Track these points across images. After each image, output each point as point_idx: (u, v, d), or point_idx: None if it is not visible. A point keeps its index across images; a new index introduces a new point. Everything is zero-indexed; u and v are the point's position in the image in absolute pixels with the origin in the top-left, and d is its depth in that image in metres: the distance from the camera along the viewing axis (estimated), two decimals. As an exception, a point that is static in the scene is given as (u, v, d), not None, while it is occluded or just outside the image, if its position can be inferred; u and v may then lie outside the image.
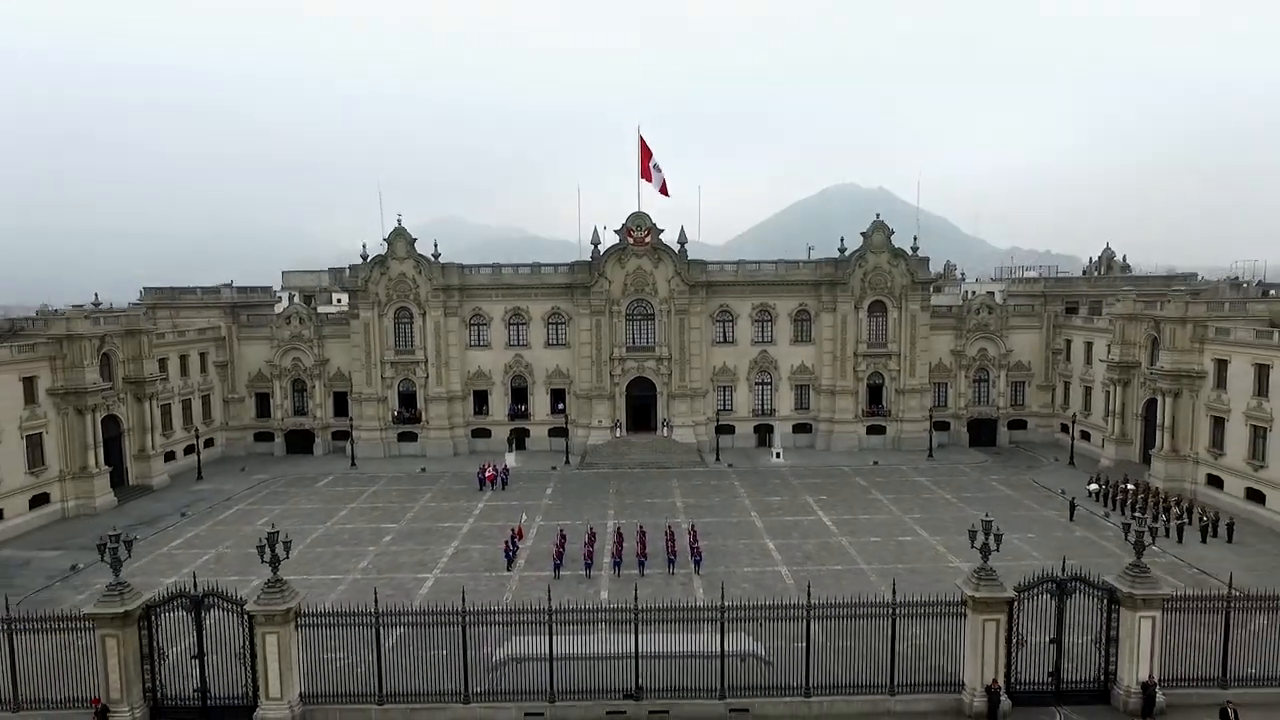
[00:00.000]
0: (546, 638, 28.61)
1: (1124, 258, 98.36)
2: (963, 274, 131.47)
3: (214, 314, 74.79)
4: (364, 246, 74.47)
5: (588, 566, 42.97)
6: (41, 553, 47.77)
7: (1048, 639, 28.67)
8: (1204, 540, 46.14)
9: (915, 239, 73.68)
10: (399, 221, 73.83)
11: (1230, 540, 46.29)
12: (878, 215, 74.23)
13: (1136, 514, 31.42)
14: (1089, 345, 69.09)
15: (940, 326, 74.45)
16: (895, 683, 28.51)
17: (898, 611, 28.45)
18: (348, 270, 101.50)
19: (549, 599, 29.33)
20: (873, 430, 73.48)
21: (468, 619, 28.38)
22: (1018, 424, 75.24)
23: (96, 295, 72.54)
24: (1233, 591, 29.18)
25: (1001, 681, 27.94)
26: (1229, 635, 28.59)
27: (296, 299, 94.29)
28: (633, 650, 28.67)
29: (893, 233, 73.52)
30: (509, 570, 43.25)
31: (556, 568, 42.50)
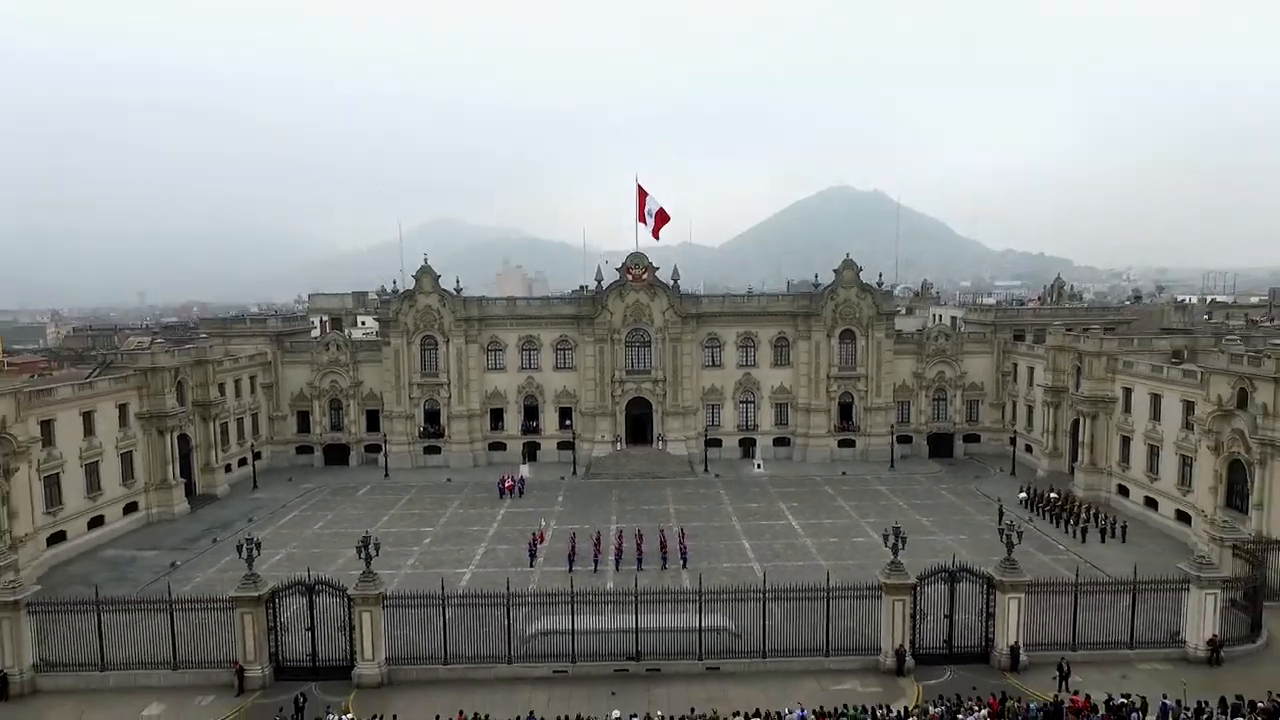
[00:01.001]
0: (569, 615, 38.32)
1: (1072, 286, 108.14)
2: (937, 294, 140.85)
3: (260, 341, 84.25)
4: (394, 282, 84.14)
5: (596, 562, 52.59)
6: (141, 552, 57.35)
7: (943, 614, 38.35)
8: (1102, 540, 55.92)
9: (880, 276, 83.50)
10: (425, 260, 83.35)
11: (1124, 540, 56.03)
12: (847, 255, 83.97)
13: (1009, 522, 40.86)
14: (1031, 370, 78.83)
15: (903, 351, 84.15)
16: (830, 647, 38.20)
17: (831, 595, 38.17)
18: (370, 294, 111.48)
19: (571, 587, 39.21)
20: (843, 444, 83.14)
21: (511, 601, 38.09)
22: (972, 438, 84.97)
23: (158, 330, 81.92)
24: (1078, 579, 39.01)
25: (907, 646, 37.63)
26: (1077, 610, 38.33)
27: (326, 321, 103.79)
28: (633, 625, 38.38)
29: (861, 269, 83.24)
30: (531, 566, 52.82)
31: (570, 563, 52.07)
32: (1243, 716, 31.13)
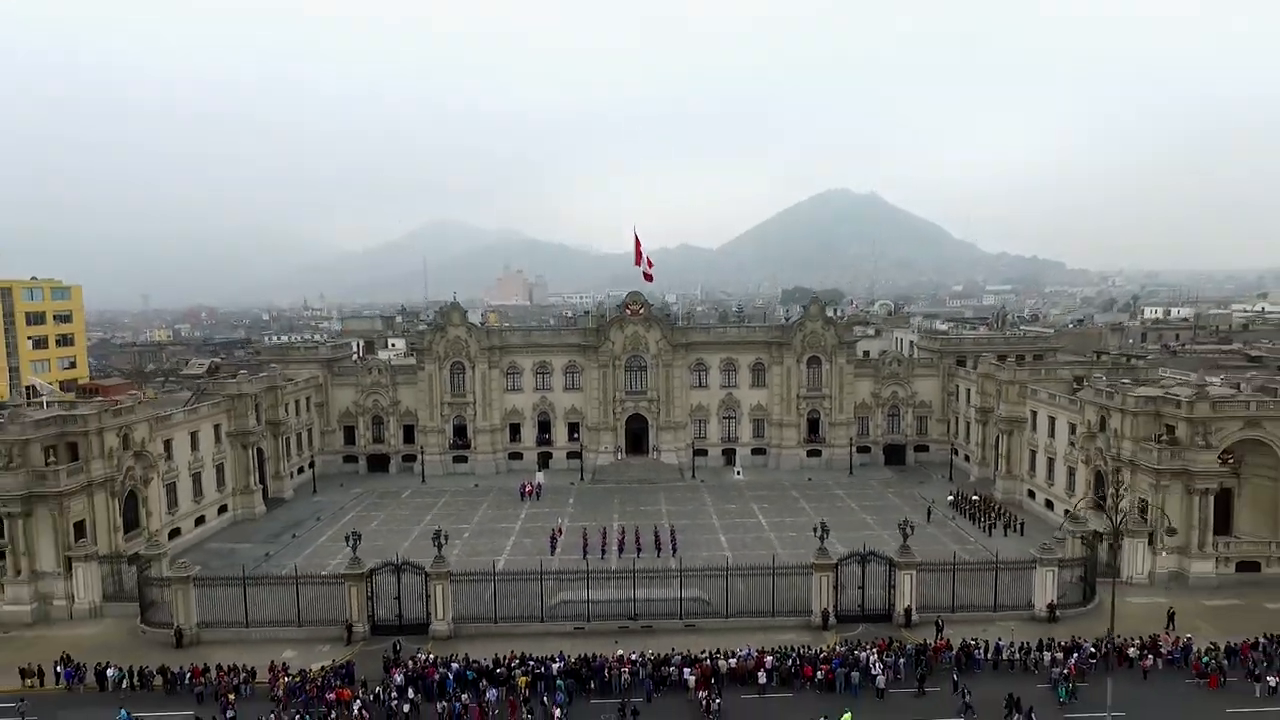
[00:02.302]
0: (584, 588, 52.51)
1: (1015, 315, 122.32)
2: (908, 314, 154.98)
3: (313, 366, 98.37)
4: (433, 315, 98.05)
5: (603, 551, 66.75)
6: (238, 545, 71.48)
7: (857, 586, 52.54)
8: (1005, 534, 70.14)
9: (841, 310, 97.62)
10: (454, 297, 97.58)
11: (1022, 534, 70.19)
12: (816, 295, 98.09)
13: (907, 517, 55.06)
14: (968, 391, 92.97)
15: (862, 374, 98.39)
16: (775, 610, 52.37)
17: (776, 572, 52.38)
18: (396, 317, 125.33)
19: (586, 568, 53.42)
20: (811, 453, 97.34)
21: (541, 577, 52.30)
22: (922, 448, 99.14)
23: (220, 355, 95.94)
24: (955, 561, 53.31)
25: (830, 608, 51.85)
26: (955, 583, 52.52)
27: (361, 345, 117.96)
28: (632, 595, 52.56)
29: (825, 304, 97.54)
30: (552, 554, 66.87)
31: (584, 551, 66.17)
32: (1050, 650, 45.44)
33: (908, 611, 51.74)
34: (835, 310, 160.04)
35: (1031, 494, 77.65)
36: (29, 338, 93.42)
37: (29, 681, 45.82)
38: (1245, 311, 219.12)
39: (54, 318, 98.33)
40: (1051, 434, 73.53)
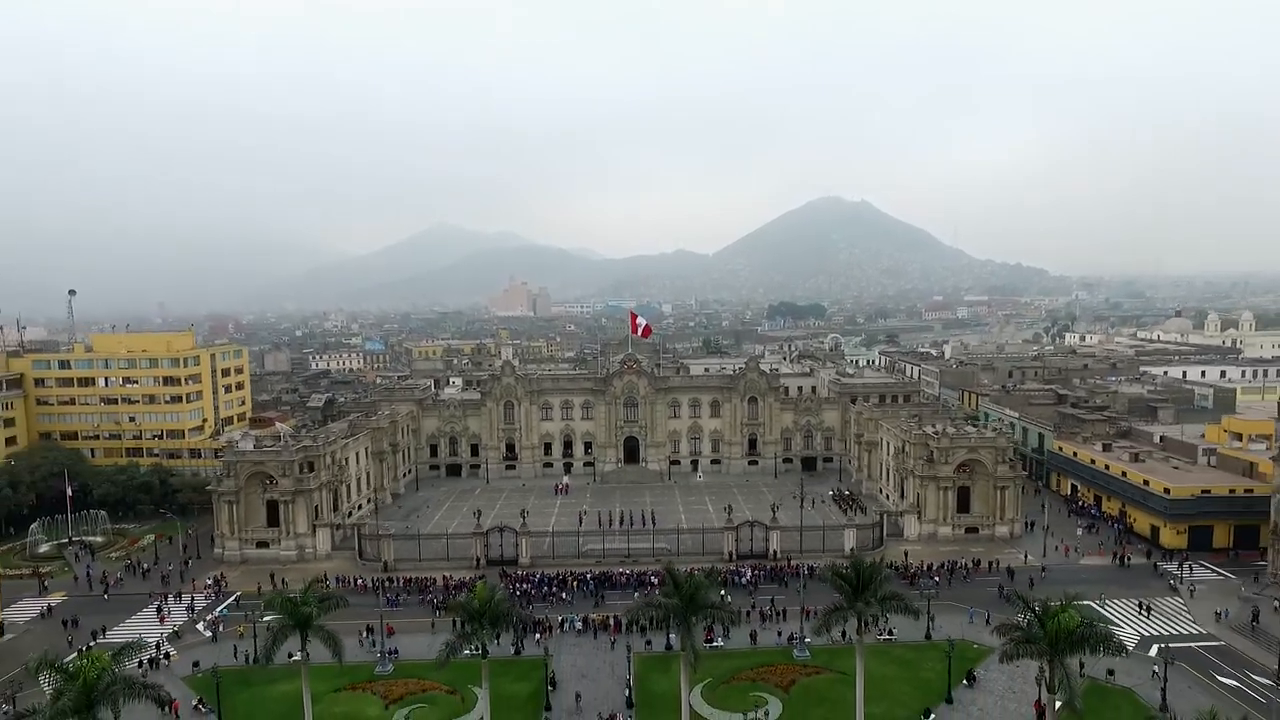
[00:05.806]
0: (601, 541, 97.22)
1: (917, 353, 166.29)
2: (844, 353, 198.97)
3: (409, 403, 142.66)
4: (480, 348, 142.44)
5: (610, 523, 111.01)
6: (384, 522, 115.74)
7: (749, 538, 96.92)
8: (855, 514, 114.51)
9: (795, 345, 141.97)
10: (503, 356, 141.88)
11: (865, 514, 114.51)
12: (752, 356, 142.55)
13: (777, 502, 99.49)
14: (854, 421, 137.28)
15: (786, 408, 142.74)
16: (704, 550, 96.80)
17: (704, 532, 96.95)
18: (454, 359, 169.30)
19: (602, 531, 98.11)
20: (751, 463, 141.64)
21: (578, 535, 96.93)
22: (828, 459, 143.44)
23: (325, 390, 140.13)
24: (803, 525, 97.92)
25: (733, 550, 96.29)
26: (803, 536, 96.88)
27: (431, 382, 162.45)
28: (627, 545, 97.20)
29: (761, 358, 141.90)
30: (580, 525, 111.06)
31: (598, 523, 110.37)
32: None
33: (776, 552, 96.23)
34: (792, 347, 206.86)
35: (880, 490, 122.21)
36: (222, 386, 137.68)
37: (319, 584, 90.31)
38: (1150, 339, 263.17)
39: (234, 371, 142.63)
40: (888, 452, 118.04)
